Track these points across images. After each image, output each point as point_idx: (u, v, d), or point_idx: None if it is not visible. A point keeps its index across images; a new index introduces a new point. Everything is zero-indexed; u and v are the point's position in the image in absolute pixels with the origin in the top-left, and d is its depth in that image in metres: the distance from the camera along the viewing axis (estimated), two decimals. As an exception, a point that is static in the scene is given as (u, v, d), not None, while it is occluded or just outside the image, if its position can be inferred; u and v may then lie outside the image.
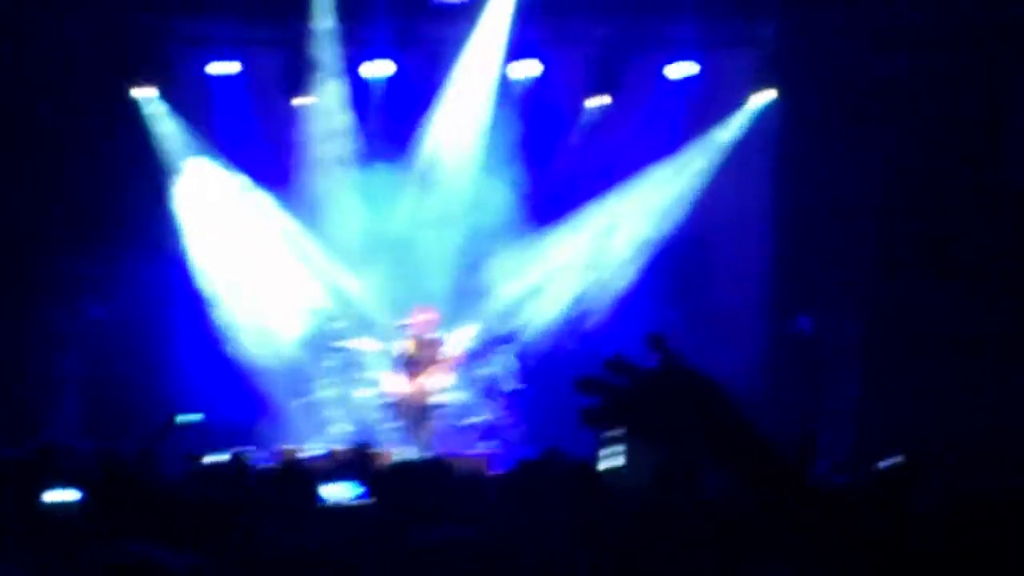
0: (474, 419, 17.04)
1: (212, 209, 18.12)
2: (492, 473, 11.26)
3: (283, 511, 6.73)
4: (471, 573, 4.63)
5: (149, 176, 17.81)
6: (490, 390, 17.23)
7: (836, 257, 17.27)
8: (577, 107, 18.45)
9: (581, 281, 18.31)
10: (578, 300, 18.27)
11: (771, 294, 18.25)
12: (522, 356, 17.73)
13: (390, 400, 16.19)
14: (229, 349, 17.87)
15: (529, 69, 18.00)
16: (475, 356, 17.28)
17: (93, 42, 17.29)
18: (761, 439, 3.38)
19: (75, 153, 17.26)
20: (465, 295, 17.95)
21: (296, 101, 18.10)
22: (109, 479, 5.63)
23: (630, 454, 3.63)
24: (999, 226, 15.51)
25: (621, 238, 18.29)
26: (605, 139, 18.35)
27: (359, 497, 9.14)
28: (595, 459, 7.42)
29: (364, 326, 17.88)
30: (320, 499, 7.59)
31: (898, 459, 9.68)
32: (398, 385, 15.88)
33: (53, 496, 6.35)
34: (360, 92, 18.13)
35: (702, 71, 17.92)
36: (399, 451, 15.20)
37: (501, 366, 17.36)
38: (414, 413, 15.75)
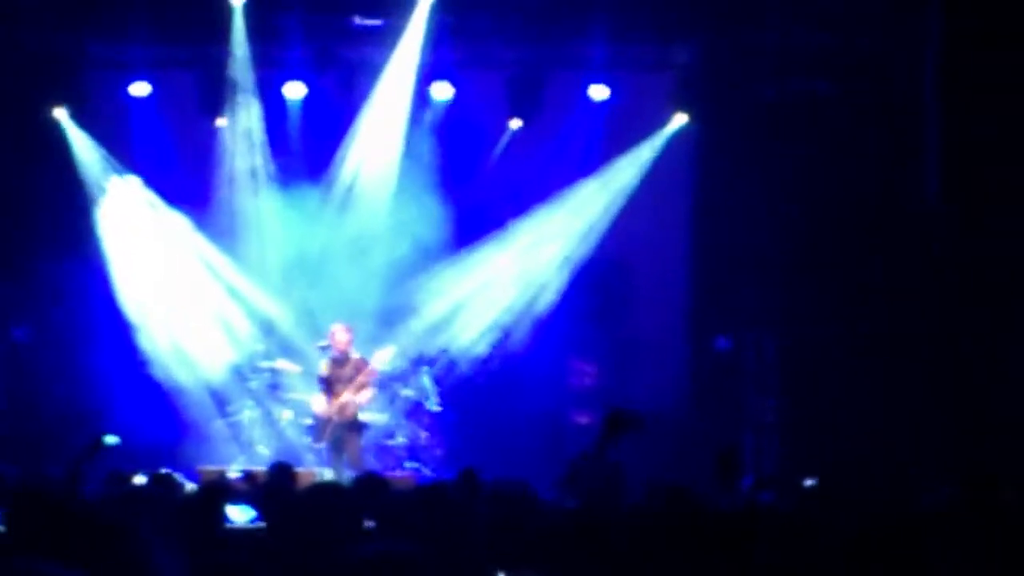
0: (395, 440, 17.06)
1: (134, 230, 18.04)
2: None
3: (193, 531, 6.74)
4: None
5: (71, 197, 17.73)
6: (411, 412, 17.25)
7: (752, 276, 17.48)
8: (495, 128, 18.55)
9: (503, 301, 18.36)
10: (500, 321, 18.33)
11: (690, 313, 18.42)
12: (442, 378, 17.78)
13: (313, 421, 16.16)
14: (152, 370, 17.78)
15: (445, 91, 18.07)
16: (396, 378, 17.30)
17: (9, 64, 17.18)
18: None
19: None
20: (386, 316, 17.96)
21: (214, 122, 18.06)
22: (28, 501, 5.59)
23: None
24: (906, 243, 15.89)
25: (543, 258, 18.37)
26: (525, 160, 18.46)
27: (252, 520, 9.18)
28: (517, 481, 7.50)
29: (285, 348, 17.86)
30: (228, 520, 7.60)
31: (815, 480, 9.87)
32: (321, 405, 15.86)
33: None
34: (278, 113, 18.14)
35: (619, 93, 18.06)
36: (320, 471, 15.21)
37: (422, 388, 17.39)
38: (337, 432, 15.72)
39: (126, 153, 18.08)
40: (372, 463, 16.08)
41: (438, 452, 17.17)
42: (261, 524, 7.70)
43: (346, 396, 15.77)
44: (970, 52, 14.74)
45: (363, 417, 16.03)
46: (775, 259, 17.27)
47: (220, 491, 7.54)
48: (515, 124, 18.47)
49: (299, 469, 12.75)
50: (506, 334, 18.31)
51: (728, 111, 17.52)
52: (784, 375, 17.35)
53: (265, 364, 17.59)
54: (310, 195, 18.13)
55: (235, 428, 17.46)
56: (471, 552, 6.01)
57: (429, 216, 17.92)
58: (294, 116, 18.24)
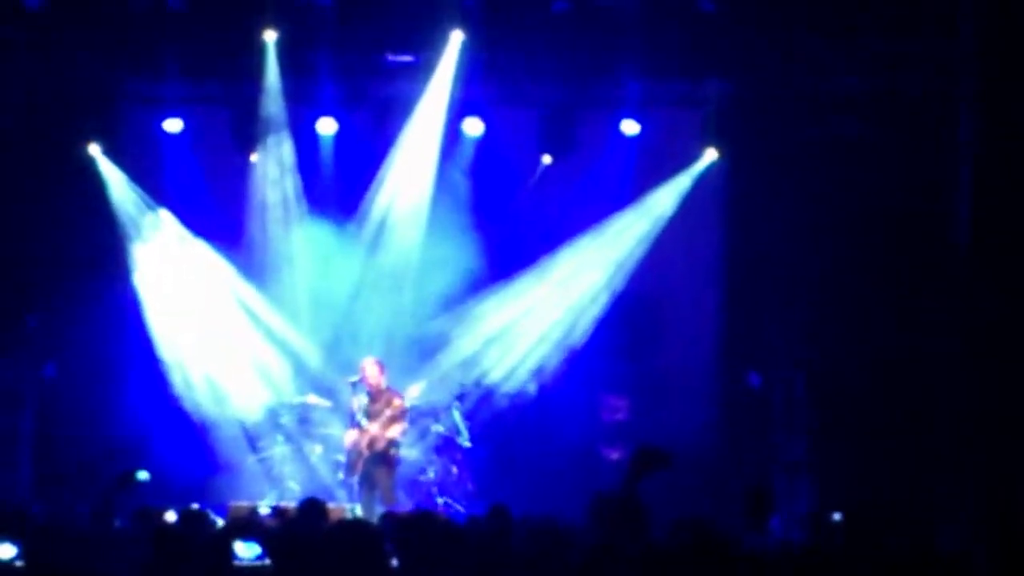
0: (426, 475, 17.05)
1: (167, 266, 18.13)
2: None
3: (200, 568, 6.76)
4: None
5: (104, 232, 17.81)
6: (441, 447, 17.24)
7: (782, 313, 17.47)
8: (527, 163, 18.57)
9: (533, 336, 18.37)
10: (530, 356, 18.33)
11: (721, 350, 18.39)
12: (474, 412, 17.77)
13: (345, 456, 16.17)
14: (183, 405, 17.83)
15: (477, 127, 18.12)
16: (426, 413, 17.30)
17: (45, 99, 17.29)
18: None
19: (28, 210, 17.26)
20: (417, 350, 17.99)
21: (247, 158, 18.14)
22: (47, 538, 5.64)
23: None
24: (938, 283, 15.86)
25: (574, 293, 18.37)
26: (556, 195, 18.47)
27: (257, 557, 9.21)
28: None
29: (315, 383, 17.89)
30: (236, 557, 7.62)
31: (841, 515, 9.82)
32: (353, 440, 15.87)
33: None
34: (311, 149, 18.21)
35: (650, 129, 18.06)
36: (351, 507, 15.21)
37: (452, 423, 17.38)
38: (368, 466, 15.72)
39: (159, 189, 18.18)
40: (404, 498, 16.08)
41: (469, 487, 17.14)
42: (266, 561, 7.71)
43: (376, 430, 15.78)
44: (1005, 95, 14.72)
45: (394, 452, 16.03)
46: (805, 296, 17.26)
47: (233, 530, 7.55)
48: (547, 160, 18.51)
49: (330, 505, 12.75)
50: (538, 369, 18.32)
51: (759, 148, 17.52)
52: (814, 413, 17.31)
53: (296, 399, 17.62)
54: (342, 231, 18.19)
55: (266, 464, 17.47)
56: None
57: (461, 251, 17.94)
58: (326, 152, 18.30)
